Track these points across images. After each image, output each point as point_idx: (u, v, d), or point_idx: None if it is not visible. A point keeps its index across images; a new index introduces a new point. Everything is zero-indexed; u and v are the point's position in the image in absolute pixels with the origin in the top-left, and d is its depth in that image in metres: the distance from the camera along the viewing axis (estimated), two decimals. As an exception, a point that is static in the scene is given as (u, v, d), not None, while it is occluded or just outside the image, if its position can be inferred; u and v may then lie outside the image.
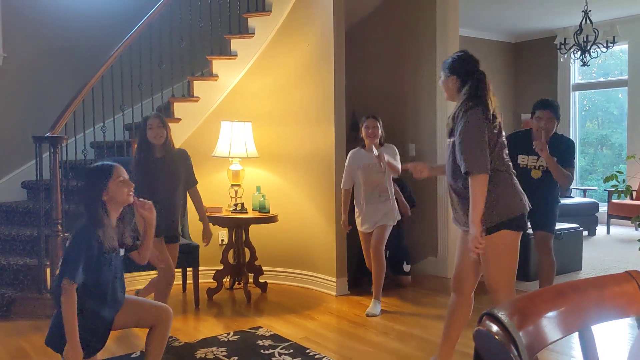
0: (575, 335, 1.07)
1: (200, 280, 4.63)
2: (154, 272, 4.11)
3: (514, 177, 2.91)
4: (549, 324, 0.99)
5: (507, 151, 2.89)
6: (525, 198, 2.90)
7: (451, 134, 2.89)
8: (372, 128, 4.44)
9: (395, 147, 4.54)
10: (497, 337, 0.89)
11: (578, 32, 6.73)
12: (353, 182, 4.54)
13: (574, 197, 8.46)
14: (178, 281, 4.93)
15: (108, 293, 2.68)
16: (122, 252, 2.77)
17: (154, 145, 3.81)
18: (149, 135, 3.80)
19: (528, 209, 2.89)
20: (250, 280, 4.98)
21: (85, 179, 2.85)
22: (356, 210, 4.56)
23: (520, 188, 2.91)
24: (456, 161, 2.83)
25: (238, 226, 4.91)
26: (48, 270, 4.39)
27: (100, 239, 2.61)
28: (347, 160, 4.59)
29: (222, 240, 5.28)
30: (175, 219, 3.88)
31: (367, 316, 4.34)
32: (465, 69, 2.89)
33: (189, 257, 4.50)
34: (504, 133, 2.87)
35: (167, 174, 3.83)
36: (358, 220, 4.55)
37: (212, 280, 4.87)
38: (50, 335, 2.66)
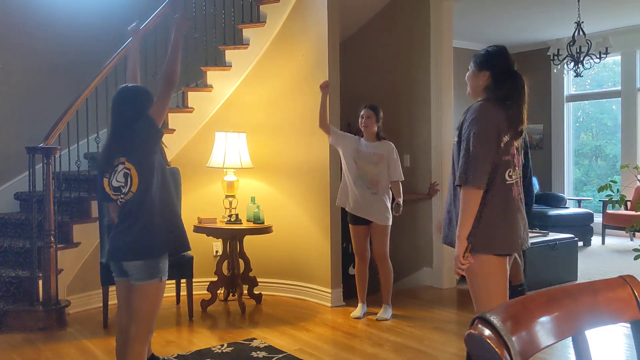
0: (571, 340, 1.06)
1: (194, 292, 4.59)
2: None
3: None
4: (542, 329, 0.98)
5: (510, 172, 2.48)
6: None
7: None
8: (365, 118, 4.38)
9: (392, 144, 4.46)
10: (489, 341, 0.88)
11: (571, 43, 6.76)
12: (335, 135, 4.44)
13: (568, 207, 8.48)
14: (172, 292, 4.91)
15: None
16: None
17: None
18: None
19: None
20: (245, 291, 4.95)
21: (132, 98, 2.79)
22: (341, 193, 4.46)
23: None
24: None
25: (232, 237, 4.89)
26: (40, 282, 4.35)
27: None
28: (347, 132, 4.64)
29: (217, 252, 5.26)
30: None
31: (378, 320, 4.42)
32: (502, 66, 2.61)
33: (183, 268, 4.47)
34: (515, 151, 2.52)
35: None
36: (346, 203, 4.42)
37: (206, 291, 4.84)
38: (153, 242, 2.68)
